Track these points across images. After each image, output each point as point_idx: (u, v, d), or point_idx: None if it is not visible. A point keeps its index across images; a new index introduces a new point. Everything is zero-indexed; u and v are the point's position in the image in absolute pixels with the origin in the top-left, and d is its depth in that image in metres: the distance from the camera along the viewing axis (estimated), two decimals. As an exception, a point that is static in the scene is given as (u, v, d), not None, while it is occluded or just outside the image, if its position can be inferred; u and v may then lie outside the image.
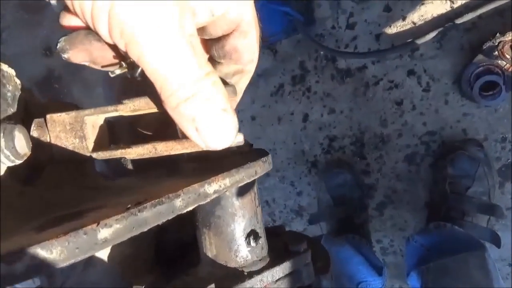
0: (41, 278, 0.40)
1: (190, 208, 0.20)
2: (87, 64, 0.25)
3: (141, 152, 0.22)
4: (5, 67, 0.21)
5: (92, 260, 0.39)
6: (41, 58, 1.42)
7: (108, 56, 0.23)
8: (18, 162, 0.20)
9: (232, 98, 0.26)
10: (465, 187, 0.95)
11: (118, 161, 0.41)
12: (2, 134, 0.19)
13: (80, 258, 0.14)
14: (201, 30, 0.26)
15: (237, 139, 0.23)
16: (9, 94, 0.21)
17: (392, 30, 1.06)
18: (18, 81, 0.23)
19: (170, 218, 0.18)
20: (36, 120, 0.23)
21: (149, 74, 0.21)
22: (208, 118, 0.22)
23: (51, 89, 1.43)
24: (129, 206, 0.16)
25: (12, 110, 0.22)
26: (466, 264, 0.77)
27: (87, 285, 0.41)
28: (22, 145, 0.19)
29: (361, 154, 1.14)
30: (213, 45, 0.28)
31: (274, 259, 0.37)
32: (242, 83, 0.31)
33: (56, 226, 0.15)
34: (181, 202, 0.18)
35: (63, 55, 0.23)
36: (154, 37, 0.20)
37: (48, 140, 0.23)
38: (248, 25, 0.26)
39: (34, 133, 0.22)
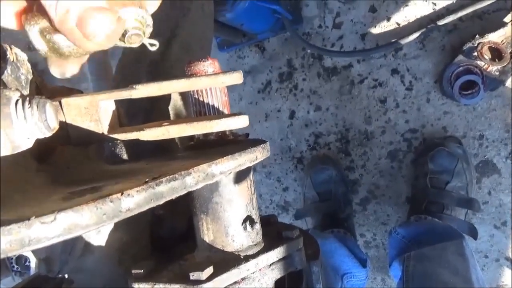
0: (40, 265, 0.40)
1: (199, 186, 0.21)
2: None
3: (154, 135, 0.23)
4: (18, 51, 0.22)
5: (89, 247, 0.40)
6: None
7: None
8: (48, 134, 0.20)
9: None
10: (444, 182, 0.98)
11: (113, 151, 0.41)
12: (36, 107, 0.19)
13: (106, 223, 0.15)
14: None
15: (242, 122, 0.25)
16: (22, 77, 0.22)
17: (377, 30, 1.09)
18: (29, 65, 0.23)
19: (182, 194, 0.19)
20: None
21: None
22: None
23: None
24: (147, 179, 0.17)
25: (26, 92, 0.22)
26: (445, 252, 0.80)
27: (84, 272, 0.42)
28: (52, 119, 0.20)
29: (346, 151, 1.17)
30: None
31: (268, 244, 0.39)
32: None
33: (80, 197, 0.16)
34: (192, 180, 0.20)
35: None
36: None
37: (64, 122, 0.23)
38: None
39: (51, 115, 0.23)
